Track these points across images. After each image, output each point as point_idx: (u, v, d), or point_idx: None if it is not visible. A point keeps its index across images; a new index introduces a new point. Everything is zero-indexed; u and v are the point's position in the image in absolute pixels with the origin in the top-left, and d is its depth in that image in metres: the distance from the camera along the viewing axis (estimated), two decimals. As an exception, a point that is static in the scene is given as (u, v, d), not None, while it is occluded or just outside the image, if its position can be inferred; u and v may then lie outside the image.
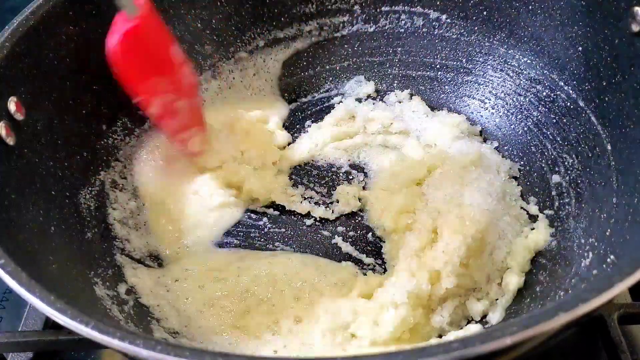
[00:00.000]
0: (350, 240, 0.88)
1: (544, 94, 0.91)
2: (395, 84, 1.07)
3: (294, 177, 0.97)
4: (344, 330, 0.74)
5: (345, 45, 1.08)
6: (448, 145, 0.94)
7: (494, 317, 0.75)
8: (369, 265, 0.84)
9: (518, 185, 0.90)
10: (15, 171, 0.70)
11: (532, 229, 0.83)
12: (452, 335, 0.72)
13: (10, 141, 0.70)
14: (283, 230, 0.90)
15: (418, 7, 1.04)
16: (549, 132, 0.89)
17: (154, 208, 0.89)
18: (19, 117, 0.72)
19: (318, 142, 1.00)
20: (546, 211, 0.85)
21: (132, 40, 0.78)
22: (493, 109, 0.99)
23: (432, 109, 1.03)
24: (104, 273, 0.76)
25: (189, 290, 0.81)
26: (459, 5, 1.00)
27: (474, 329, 0.73)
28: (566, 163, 0.85)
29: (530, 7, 0.92)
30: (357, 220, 0.90)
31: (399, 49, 1.06)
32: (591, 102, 0.82)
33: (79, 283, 0.70)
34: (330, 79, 1.09)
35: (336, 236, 0.88)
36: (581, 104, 0.84)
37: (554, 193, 0.86)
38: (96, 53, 0.86)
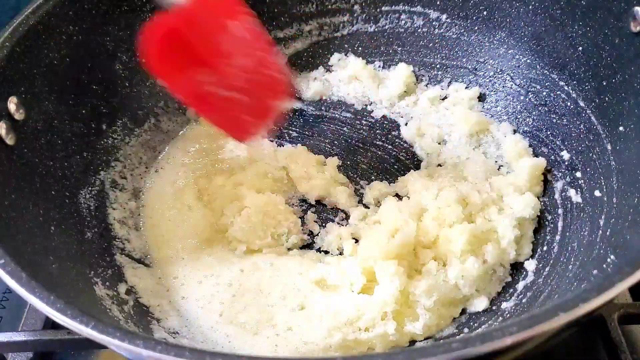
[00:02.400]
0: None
1: (544, 94, 0.91)
2: (395, 84, 1.07)
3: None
4: (351, 325, 0.74)
5: (345, 45, 1.08)
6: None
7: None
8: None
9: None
10: (15, 171, 0.70)
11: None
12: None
13: (10, 141, 0.70)
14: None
15: (418, 7, 1.04)
16: (549, 132, 0.89)
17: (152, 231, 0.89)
18: (19, 116, 0.72)
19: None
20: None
21: (167, 42, 0.73)
22: (493, 109, 0.99)
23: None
24: (104, 273, 0.76)
25: (187, 287, 0.81)
26: (459, 4, 1.00)
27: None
28: (566, 163, 0.85)
29: (530, 7, 0.92)
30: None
31: (399, 48, 1.06)
32: (591, 102, 0.82)
33: (79, 283, 0.70)
34: (331, 78, 1.09)
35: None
36: (581, 103, 0.84)
37: (554, 192, 0.86)
38: (96, 52, 0.86)
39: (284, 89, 0.86)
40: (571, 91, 0.86)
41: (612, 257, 0.65)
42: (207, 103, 0.80)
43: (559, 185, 0.85)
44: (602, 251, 0.69)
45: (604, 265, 0.65)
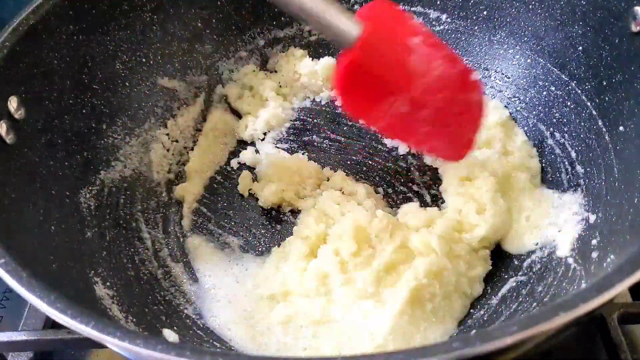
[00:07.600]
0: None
1: (544, 93, 0.91)
2: (395, 84, 1.07)
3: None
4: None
5: (346, 45, 1.08)
6: None
7: None
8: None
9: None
10: (15, 170, 0.70)
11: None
12: None
13: (10, 140, 0.70)
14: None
15: (418, 7, 1.03)
16: (548, 132, 0.89)
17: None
18: (19, 116, 0.72)
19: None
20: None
21: (351, 78, 0.72)
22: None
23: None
24: (104, 273, 0.76)
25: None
26: (459, 4, 1.00)
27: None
28: (567, 162, 0.85)
29: (530, 7, 0.92)
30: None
31: (399, 48, 1.06)
32: (592, 102, 0.82)
33: (79, 283, 0.70)
34: (331, 78, 1.09)
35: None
36: (582, 103, 0.84)
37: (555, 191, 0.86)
38: (96, 52, 0.86)
39: (481, 110, 0.80)
40: (572, 90, 0.86)
41: (611, 256, 0.65)
42: (408, 131, 0.79)
43: (560, 183, 0.85)
44: (602, 251, 0.69)
45: (604, 265, 0.65)
